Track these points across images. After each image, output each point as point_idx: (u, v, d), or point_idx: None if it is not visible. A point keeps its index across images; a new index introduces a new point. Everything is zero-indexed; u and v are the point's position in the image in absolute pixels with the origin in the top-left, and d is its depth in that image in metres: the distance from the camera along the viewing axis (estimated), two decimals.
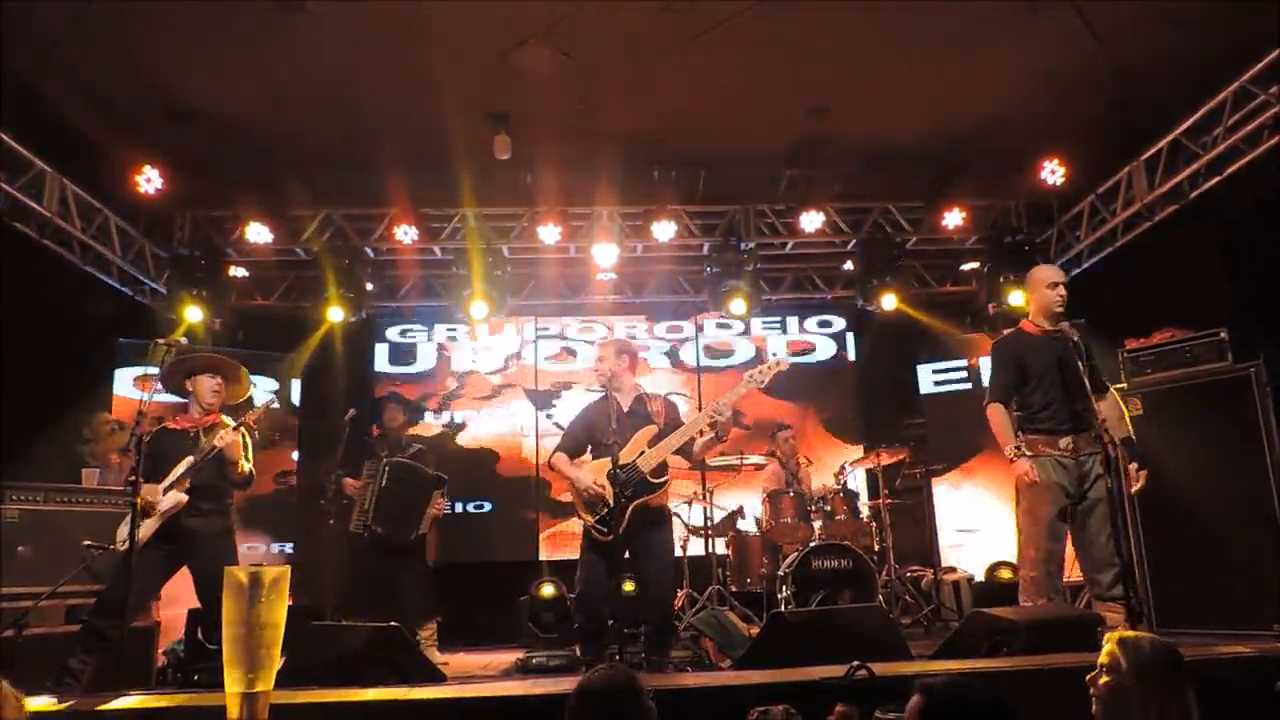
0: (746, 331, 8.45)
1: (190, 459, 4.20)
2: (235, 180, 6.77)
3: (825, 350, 8.46)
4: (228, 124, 6.17)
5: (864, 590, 5.55)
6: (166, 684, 4.70)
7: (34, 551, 4.60)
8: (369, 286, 7.44)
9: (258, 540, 7.13)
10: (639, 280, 8.23)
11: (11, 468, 5.10)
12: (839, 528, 6.11)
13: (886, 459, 6.62)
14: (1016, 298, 6.93)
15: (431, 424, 8.07)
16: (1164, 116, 5.90)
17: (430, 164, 6.61)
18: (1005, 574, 6.64)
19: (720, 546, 6.64)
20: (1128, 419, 4.67)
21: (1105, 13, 5.19)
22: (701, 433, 4.16)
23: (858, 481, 7.57)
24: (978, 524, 7.42)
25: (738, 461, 6.68)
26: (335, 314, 7.23)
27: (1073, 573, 4.35)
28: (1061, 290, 4.18)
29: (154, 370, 4.52)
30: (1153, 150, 6.11)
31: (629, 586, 4.62)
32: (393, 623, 3.76)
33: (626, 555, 4.18)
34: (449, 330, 8.32)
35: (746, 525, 6.78)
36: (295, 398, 7.70)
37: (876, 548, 6.42)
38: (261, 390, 6.62)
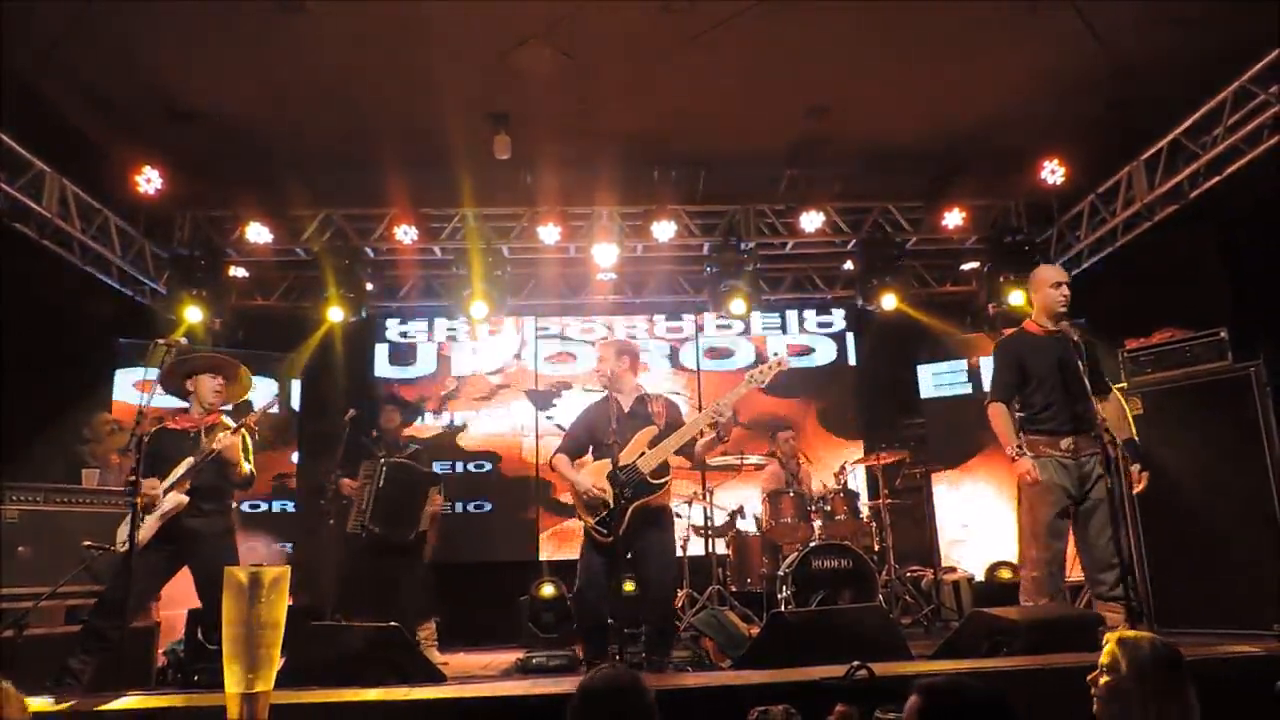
0: (746, 331, 8.44)
1: (190, 460, 4.19)
2: (235, 180, 6.78)
3: (825, 350, 8.44)
4: (228, 124, 6.17)
5: (864, 590, 5.56)
6: (166, 684, 4.69)
7: (34, 552, 4.60)
8: (369, 286, 7.44)
9: (257, 540, 7.13)
10: (639, 280, 8.22)
11: (11, 468, 5.11)
12: (839, 528, 6.11)
13: (886, 459, 6.62)
14: (1016, 298, 6.94)
15: (431, 424, 8.08)
16: (1164, 116, 5.91)
17: (430, 164, 6.61)
18: (1005, 574, 6.65)
19: (720, 546, 6.63)
20: (1131, 420, 4.68)
21: (1105, 13, 5.19)
22: (702, 433, 4.16)
23: (858, 481, 7.57)
24: (978, 523, 7.42)
25: (738, 461, 6.68)
26: (335, 314, 7.24)
27: (1073, 573, 4.36)
28: (1064, 290, 4.19)
29: (154, 373, 4.51)
30: (1153, 150, 6.11)
31: (629, 586, 4.61)
32: (392, 623, 3.76)
33: (628, 556, 4.18)
34: (449, 330, 8.32)
35: (746, 525, 6.77)
36: (295, 398, 7.70)
37: (876, 548, 6.42)
38: (264, 391, 6.61)
